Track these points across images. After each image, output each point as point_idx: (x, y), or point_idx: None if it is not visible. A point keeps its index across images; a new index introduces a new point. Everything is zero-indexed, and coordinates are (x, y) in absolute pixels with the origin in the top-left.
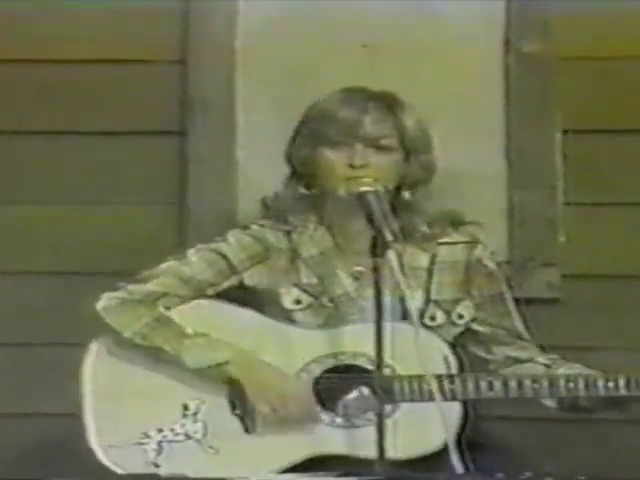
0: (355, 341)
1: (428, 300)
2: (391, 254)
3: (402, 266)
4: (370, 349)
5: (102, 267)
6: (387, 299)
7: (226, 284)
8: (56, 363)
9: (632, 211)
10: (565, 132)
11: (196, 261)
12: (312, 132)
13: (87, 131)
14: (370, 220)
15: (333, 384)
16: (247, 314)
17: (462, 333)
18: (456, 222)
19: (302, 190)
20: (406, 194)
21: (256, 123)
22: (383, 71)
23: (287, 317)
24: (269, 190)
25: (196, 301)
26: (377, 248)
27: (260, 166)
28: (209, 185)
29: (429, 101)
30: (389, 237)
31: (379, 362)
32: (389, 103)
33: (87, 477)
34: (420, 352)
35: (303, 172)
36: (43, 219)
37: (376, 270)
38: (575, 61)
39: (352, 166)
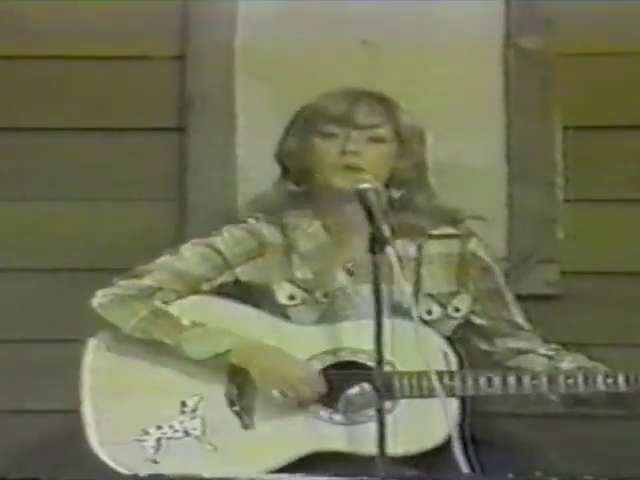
0: (353, 337)
1: (417, 291)
2: (390, 250)
3: (401, 262)
4: (369, 345)
5: (101, 264)
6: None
7: (221, 279)
8: (54, 360)
9: (632, 208)
10: (565, 128)
11: (190, 256)
12: (303, 126)
13: (86, 127)
14: (369, 217)
15: (334, 380)
16: (244, 310)
17: (460, 326)
18: (456, 220)
19: (292, 187)
20: (395, 192)
21: (255, 120)
22: (383, 67)
23: (281, 313)
24: (268, 186)
25: (192, 297)
26: (375, 245)
27: (259, 162)
28: (208, 181)
29: (429, 96)
30: (388, 233)
31: (379, 358)
32: (381, 97)
33: (92, 476)
34: (420, 348)
35: (293, 168)
36: (41, 216)
37: (375, 266)
38: (575, 57)
39: (344, 152)
